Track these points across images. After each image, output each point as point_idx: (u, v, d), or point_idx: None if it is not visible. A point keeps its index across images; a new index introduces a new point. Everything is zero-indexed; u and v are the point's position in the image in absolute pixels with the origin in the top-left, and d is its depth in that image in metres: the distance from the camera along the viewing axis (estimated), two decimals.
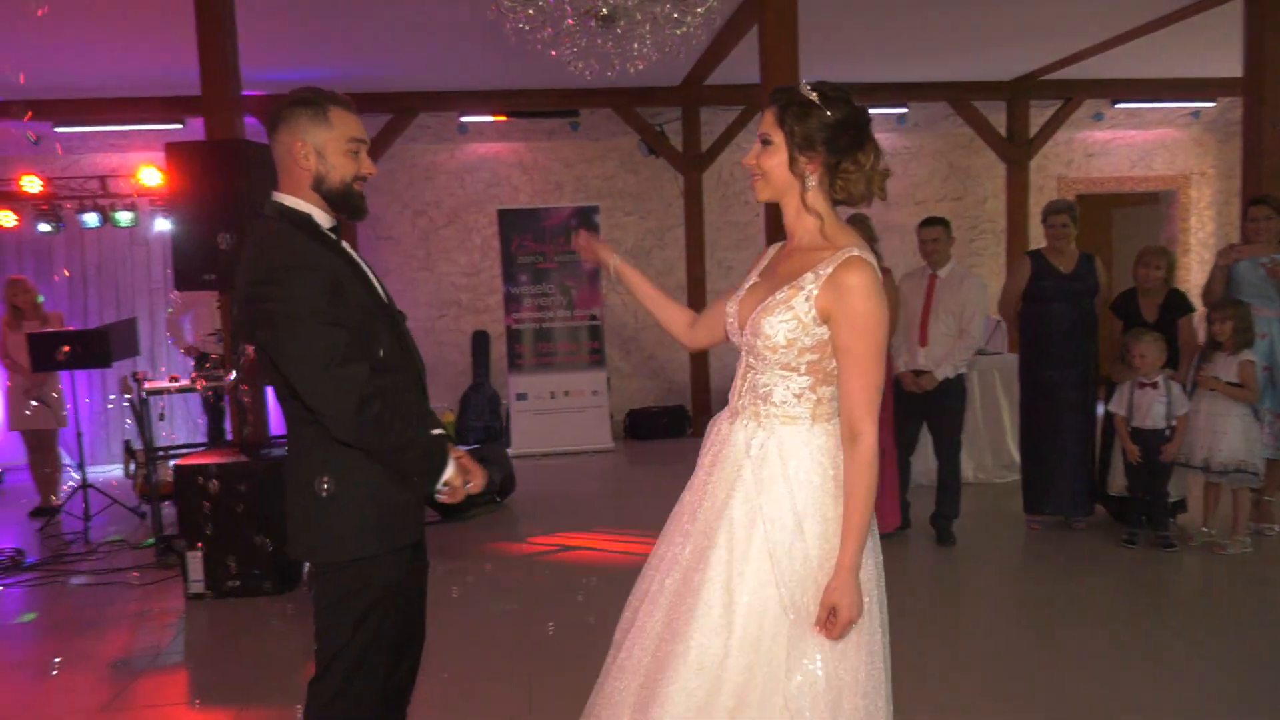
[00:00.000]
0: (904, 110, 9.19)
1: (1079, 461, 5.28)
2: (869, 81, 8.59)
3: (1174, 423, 4.85)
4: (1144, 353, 4.86)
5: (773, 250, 2.18)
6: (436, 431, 2.24)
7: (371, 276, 2.23)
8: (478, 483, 2.23)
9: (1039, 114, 9.14)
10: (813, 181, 1.96)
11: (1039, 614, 4.21)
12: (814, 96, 1.93)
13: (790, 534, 1.92)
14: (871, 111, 7.59)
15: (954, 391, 5.09)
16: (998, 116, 9.13)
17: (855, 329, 1.89)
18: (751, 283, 2.11)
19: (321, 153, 2.12)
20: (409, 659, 2.34)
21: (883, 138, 8.48)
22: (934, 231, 5.15)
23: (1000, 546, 5.23)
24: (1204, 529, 5.01)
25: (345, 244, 2.22)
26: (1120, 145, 10.00)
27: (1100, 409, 5.36)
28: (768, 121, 1.99)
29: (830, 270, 1.91)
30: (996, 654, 3.76)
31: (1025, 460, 5.44)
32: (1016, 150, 9.06)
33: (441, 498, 2.18)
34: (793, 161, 1.95)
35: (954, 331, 5.05)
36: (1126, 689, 3.38)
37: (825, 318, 1.92)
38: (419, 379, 2.29)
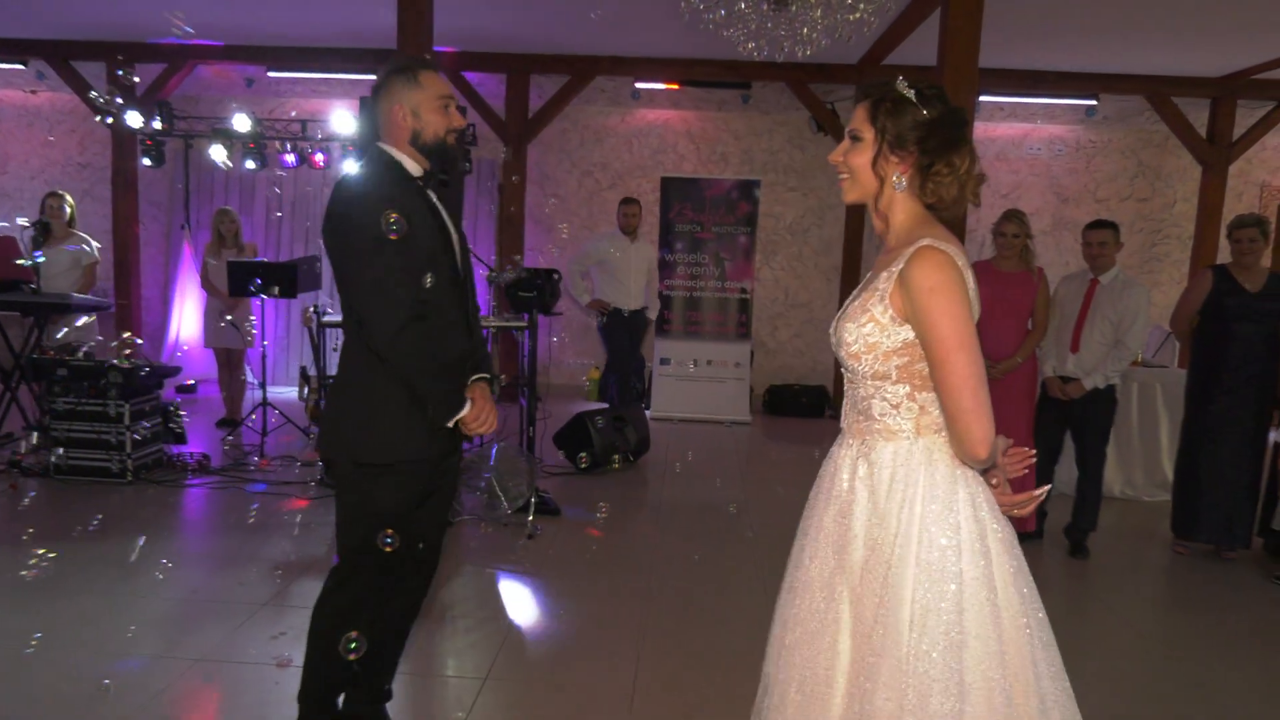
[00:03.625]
0: (1094, 102, 8.72)
1: (1240, 491, 4.99)
2: (1056, 70, 8.20)
3: None
4: None
5: None
6: (480, 376, 2.53)
7: (449, 225, 2.51)
8: (487, 427, 2.47)
9: (1246, 116, 8.50)
10: (903, 182, 1.86)
11: (1166, 641, 4.07)
12: (910, 94, 1.83)
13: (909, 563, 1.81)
14: (1057, 102, 7.31)
15: (1103, 402, 4.91)
16: (1198, 115, 8.54)
17: (929, 322, 1.75)
18: (850, 297, 2.01)
19: (416, 112, 2.43)
20: (423, 568, 2.70)
21: (1067, 130, 8.17)
22: (1101, 235, 4.94)
23: (1137, 566, 5.04)
24: None
25: (431, 193, 2.50)
26: None
27: (1273, 437, 5.04)
28: (859, 117, 1.89)
29: (901, 265, 1.80)
30: (1115, 677, 3.68)
31: (1180, 481, 5.19)
32: (1216, 153, 8.47)
33: (468, 429, 2.46)
34: (879, 159, 1.85)
35: (1110, 340, 4.86)
36: None
37: (904, 316, 1.81)
38: (466, 323, 2.54)
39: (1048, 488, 1.94)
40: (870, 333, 1.84)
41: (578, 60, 8.39)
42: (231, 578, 4.22)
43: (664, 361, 8.37)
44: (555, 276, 5.64)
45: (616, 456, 6.34)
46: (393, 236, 2.27)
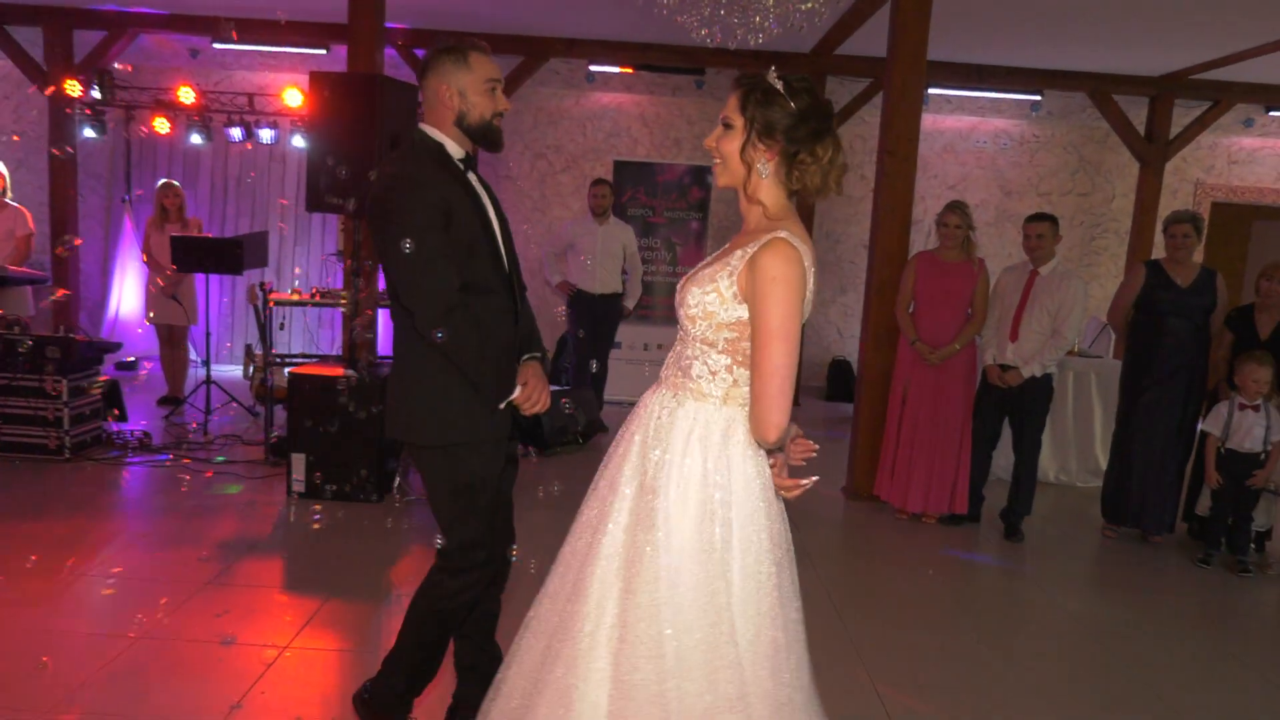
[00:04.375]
0: (1038, 97, 8.91)
1: (1168, 480, 5.19)
2: (1003, 65, 8.36)
3: (1269, 447, 4.73)
4: (1259, 377, 4.73)
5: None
6: (531, 355, 2.55)
7: (490, 209, 2.51)
8: (540, 406, 2.50)
9: (1183, 114, 8.75)
10: (768, 169, 1.96)
11: (1096, 620, 4.23)
12: (779, 85, 1.92)
13: (668, 498, 1.95)
14: (1003, 96, 7.45)
15: (1040, 390, 5.07)
16: (1138, 113, 8.78)
17: (761, 308, 1.86)
18: (703, 263, 2.09)
19: (464, 93, 2.41)
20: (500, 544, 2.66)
21: (1012, 124, 8.34)
22: (1040, 227, 5.08)
23: (1068, 549, 5.21)
24: None
25: (473, 175, 2.49)
26: (1269, 154, 9.49)
27: (1198, 427, 5.24)
28: (731, 106, 1.97)
29: (755, 250, 1.90)
30: (1048, 657, 3.82)
31: (1112, 469, 5.38)
32: (1153, 150, 8.70)
33: (524, 410, 2.49)
34: (746, 147, 1.94)
35: (1047, 330, 5.01)
36: (1171, 700, 3.41)
37: (745, 297, 1.91)
38: (513, 306, 2.54)
39: (814, 479, 2.03)
40: (711, 302, 1.95)
41: (532, 41, 8.35)
42: (173, 557, 4.17)
43: (616, 345, 8.40)
44: None
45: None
46: (410, 247, 2.27)
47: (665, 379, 2.09)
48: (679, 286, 2.06)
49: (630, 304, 7.38)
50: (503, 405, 2.44)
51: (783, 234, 1.89)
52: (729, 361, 1.97)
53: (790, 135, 1.92)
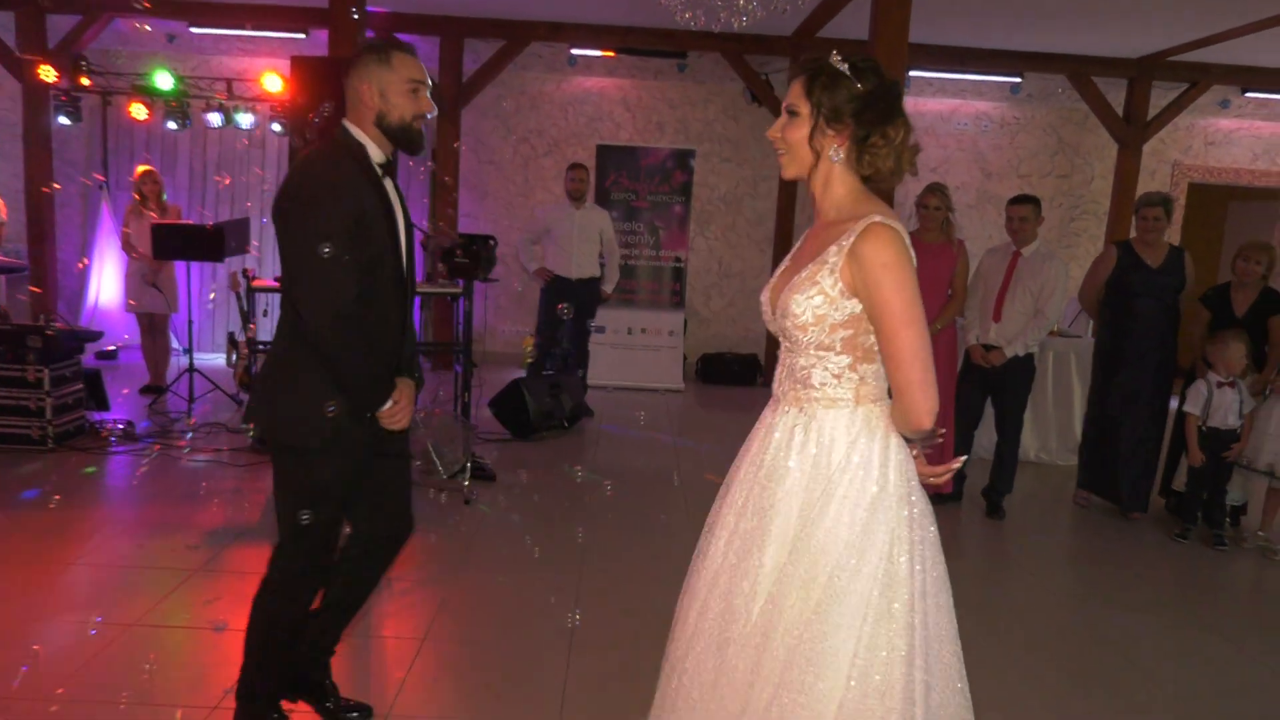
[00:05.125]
0: (1018, 80, 8.96)
1: (1145, 459, 5.28)
2: (984, 47, 8.40)
3: (1243, 421, 4.83)
4: (1234, 355, 4.81)
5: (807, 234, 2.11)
6: (409, 376, 2.55)
7: (400, 220, 2.49)
8: (399, 424, 2.49)
9: (1161, 96, 8.82)
10: (840, 155, 1.89)
11: (1077, 594, 4.30)
12: (844, 67, 1.85)
13: (827, 526, 1.86)
14: (984, 79, 7.47)
15: (1022, 370, 5.13)
16: (1117, 95, 8.84)
17: (881, 297, 1.80)
18: (783, 267, 2.04)
19: (384, 93, 2.38)
20: (382, 550, 2.72)
21: (993, 107, 8.35)
22: (1023, 210, 5.12)
23: (1049, 526, 5.30)
24: (1260, 534, 5.00)
25: (389, 182, 2.47)
26: (1245, 136, 9.59)
27: (1174, 404, 5.33)
28: (795, 92, 1.90)
29: (852, 241, 1.82)
30: (1029, 627, 3.89)
31: (1085, 444, 5.50)
32: (1132, 132, 8.78)
33: (384, 424, 2.48)
34: (815, 134, 1.88)
35: (1030, 310, 5.06)
36: (1150, 671, 3.48)
37: (853, 290, 1.84)
38: (404, 322, 2.53)
39: (964, 458, 2.04)
40: (819, 305, 1.87)
41: (513, 25, 8.31)
42: (162, 545, 4.17)
43: (599, 329, 8.42)
44: (491, 243, 5.62)
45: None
46: (325, 251, 2.25)
47: (783, 395, 1.99)
48: (766, 299, 2.01)
49: (608, 288, 7.40)
50: (368, 416, 2.43)
51: (876, 218, 1.82)
52: (850, 360, 1.90)
53: (860, 118, 1.85)
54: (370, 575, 2.76)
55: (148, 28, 8.55)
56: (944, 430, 1.98)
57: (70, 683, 2.94)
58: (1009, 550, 4.86)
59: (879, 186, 1.96)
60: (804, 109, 1.89)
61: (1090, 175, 9.61)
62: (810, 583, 1.83)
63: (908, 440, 1.94)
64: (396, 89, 2.37)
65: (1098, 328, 5.45)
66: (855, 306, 1.86)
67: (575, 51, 8.90)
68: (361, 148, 2.40)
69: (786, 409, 1.97)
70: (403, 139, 2.42)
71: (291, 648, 2.67)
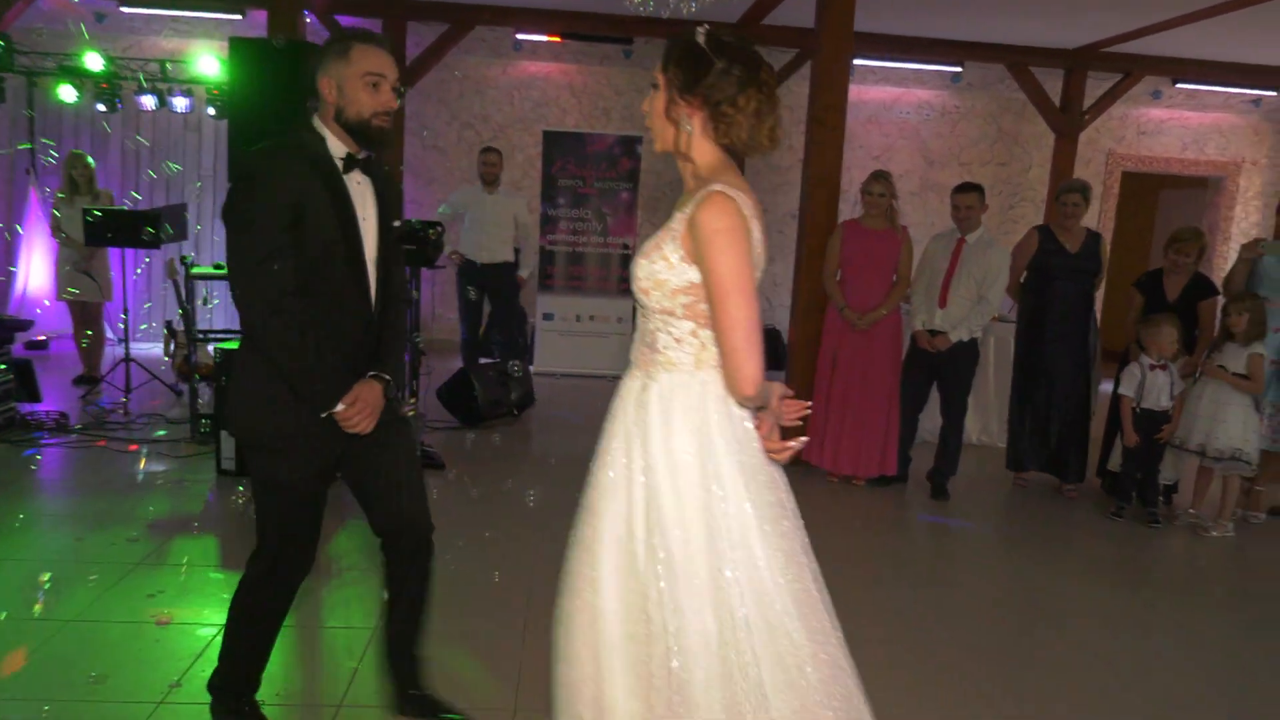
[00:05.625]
0: (959, 69, 9.11)
1: (1066, 430, 5.45)
2: (926, 36, 8.51)
3: (1174, 402, 4.99)
4: (1169, 339, 4.96)
5: None
6: (374, 374, 2.40)
7: (362, 213, 2.38)
8: (359, 428, 2.35)
9: (1096, 86, 9.03)
10: (693, 126, 1.92)
11: (1018, 571, 4.41)
12: (701, 41, 1.89)
13: (665, 481, 1.92)
14: (925, 68, 7.56)
15: (967, 354, 5.23)
16: (1054, 85, 9.03)
17: (710, 264, 1.84)
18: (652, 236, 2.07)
19: (341, 87, 2.32)
20: (415, 552, 2.59)
21: (934, 95, 8.46)
22: (969, 198, 5.21)
23: (991, 506, 5.42)
24: (1191, 511, 5.18)
25: (356, 175, 2.38)
26: (1175, 126, 9.88)
27: (1106, 387, 5.48)
28: (657, 67, 1.97)
29: (691, 209, 1.87)
30: (972, 604, 3.98)
31: (1011, 423, 5.67)
32: (1068, 121, 8.98)
33: (344, 427, 2.36)
34: (670, 105, 1.93)
35: (974, 296, 5.16)
36: (1090, 645, 3.59)
37: (693, 258, 1.89)
38: (368, 320, 2.42)
39: (804, 440, 2.03)
40: (660, 270, 1.93)
41: (457, 8, 8.19)
42: (101, 538, 4.06)
43: (547, 317, 8.38)
44: (438, 229, 5.56)
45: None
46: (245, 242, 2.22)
47: (635, 360, 2.05)
48: (633, 266, 2.04)
49: (524, 274, 7.45)
50: (324, 416, 2.33)
51: (717, 186, 1.85)
52: (693, 326, 1.94)
53: (711, 89, 1.88)
54: (409, 574, 2.61)
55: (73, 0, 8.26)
56: (809, 404, 2.01)
57: (10, 681, 2.85)
58: (954, 530, 4.96)
59: (746, 156, 1.99)
60: (660, 80, 1.95)
61: (1028, 164, 9.82)
62: (647, 542, 1.92)
63: (756, 413, 1.99)
64: (353, 83, 2.31)
65: (1019, 309, 5.63)
66: (695, 274, 1.90)
67: (520, 36, 8.81)
68: (321, 141, 2.35)
69: (635, 373, 2.04)
70: (361, 135, 2.35)
71: (268, 642, 2.62)
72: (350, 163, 2.38)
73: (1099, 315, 5.99)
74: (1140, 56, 8.73)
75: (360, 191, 2.40)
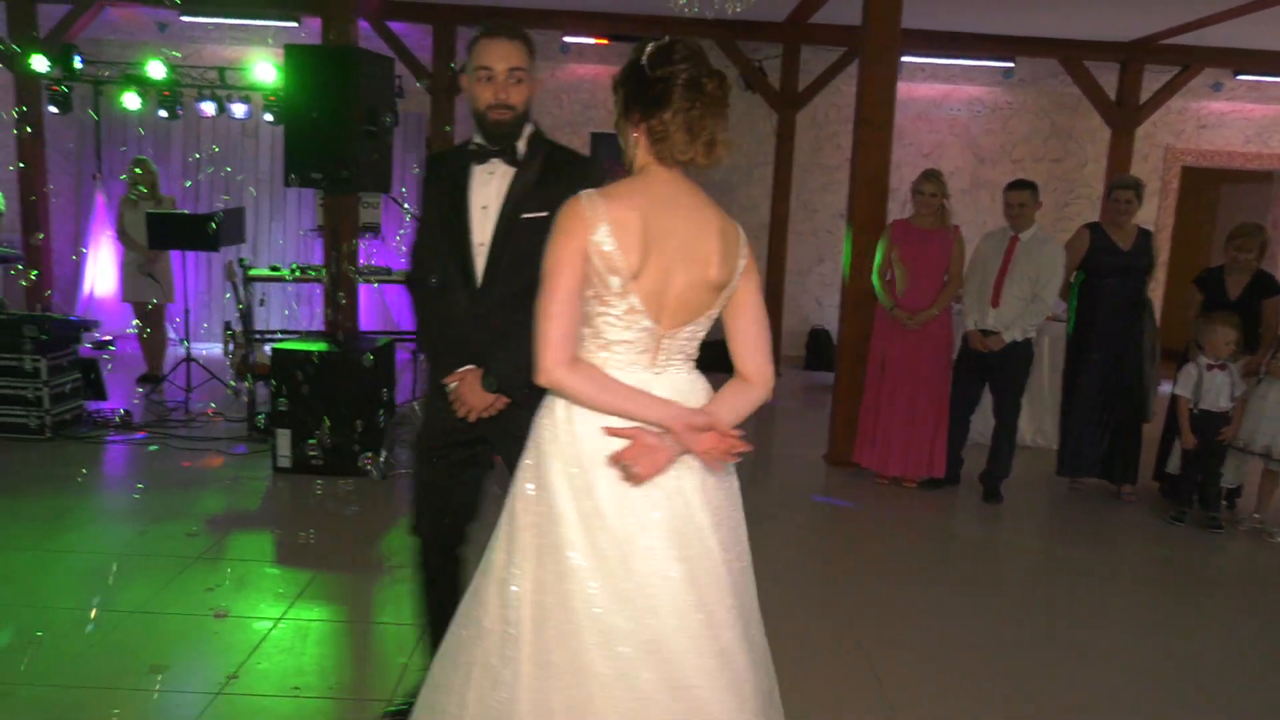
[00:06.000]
0: (1010, 64, 8.97)
1: (1119, 434, 5.34)
2: (976, 32, 8.39)
3: (1234, 404, 4.86)
4: (1225, 338, 4.84)
5: None
6: (473, 367, 2.39)
7: (479, 204, 2.41)
8: (463, 412, 2.39)
9: (1153, 79, 8.82)
10: (635, 145, 1.92)
11: (1071, 576, 4.33)
12: (643, 61, 1.87)
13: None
14: (976, 64, 7.44)
15: (1020, 355, 5.15)
16: (1109, 79, 8.84)
17: (545, 255, 1.85)
18: None
19: (469, 82, 2.40)
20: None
21: (985, 91, 8.32)
22: (1021, 195, 5.13)
23: (1045, 509, 5.33)
24: (1255, 516, 5.04)
25: (484, 168, 2.41)
26: (1237, 119, 9.60)
27: (1167, 388, 5.36)
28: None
29: None
30: (1023, 609, 3.92)
31: (1064, 426, 5.54)
32: (1124, 116, 8.78)
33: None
34: (619, 122, 1.94)
35: (1028, 295, 5.08)
36: (1145, 654, 3.52)
37: None
38: (476, 308, 2.41)
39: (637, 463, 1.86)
40: None
41: (504, 12, 8.27)
42: (162, 532, 4.18)
43: None
44: None
45: None
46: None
47: None
48: None
49: None
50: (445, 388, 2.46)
51: (584, 192, 1.85)
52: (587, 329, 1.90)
53: (646, 108, 1.86)
54: (439, 575, 2.65)
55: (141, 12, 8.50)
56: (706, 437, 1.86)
57: (74, 667, 2.95)
58: (1006, 535, 4.89)
59: (702, 172, 1.93)
60: (614, 100, 1.97)
61: (1084, 159, 9.62)
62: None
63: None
64: (471, 78, 2.38)
65: (1071, 309, 5.52)
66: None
67: (567, 39, 8.87)
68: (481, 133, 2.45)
69: None
70: (481, 128, 2.40)
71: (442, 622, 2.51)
72: (483, 154, 2.41)
73: (1159, 313, 5.86)
74: (1199, 48, 8.51)
75: (486, 182, 2.42)
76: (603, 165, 2.48)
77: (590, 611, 1.77)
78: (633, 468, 1.80)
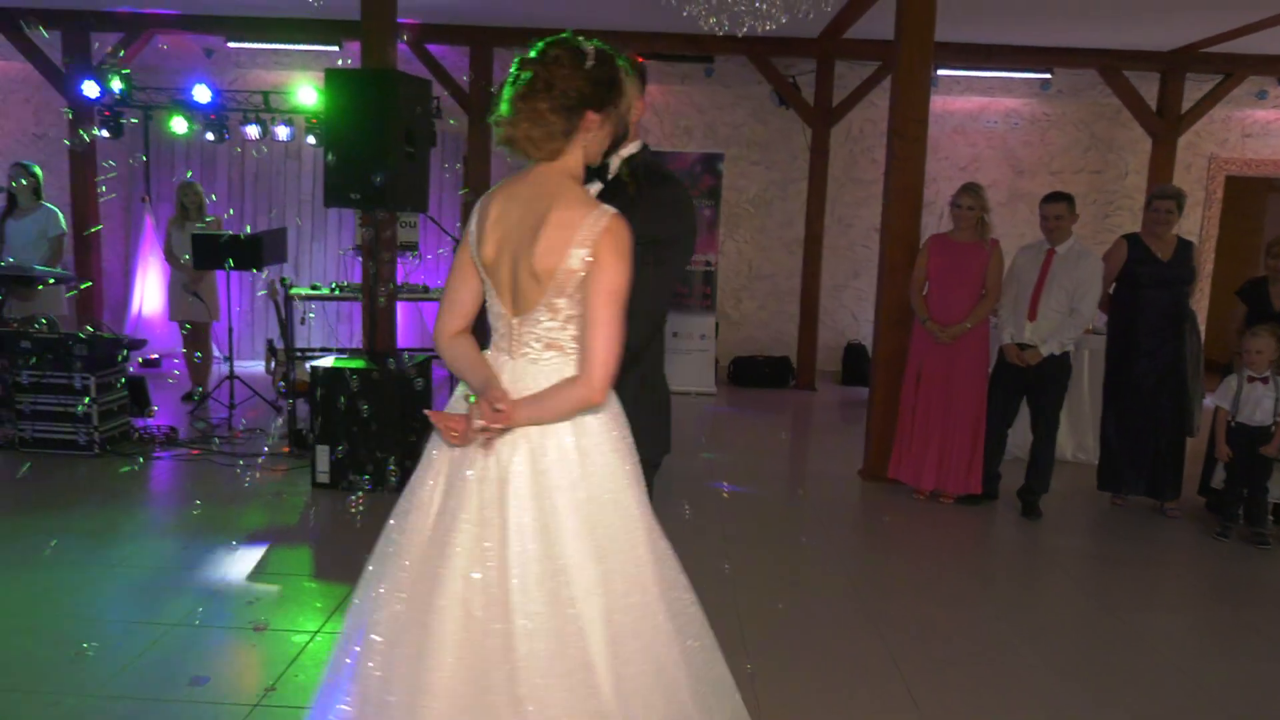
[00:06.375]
0: (1048, 76, 8.90)
1: (1159, 448, 5.25)
2: (1012, 44, 8.35)
3: (1278, 419, 4.76)
4: (1260, 349, 4.76)
5: None
6: None
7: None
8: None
9: (1195, 89, 8.70)
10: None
11: (1113, 594, 4.26)
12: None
13: None
14: (1013, 76, 7.45)
15: (1058, 368, 5.09)
16: (1149, 88, 8.73)
17: None
18: None
19: None
20: None
21: (1022, 104, 8.30)
22: (1057, 208, 5.09)
23: (1086, 526, 5.25)
24: None
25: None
26: None
27: (1209, 402, 5.26)
28: None
29: None
30: (1063, 628, 3.87)
31: (1103, 440, 5.47)
32: (1165, 125, 8.67)
33: None
34: None
35: (1065, 309, 5.03)
36: (1192, 675, 3.45)
37: None
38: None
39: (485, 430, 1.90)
40: None
41: (540, 33, 8.25)
42: (204, 548, 4.27)
43: None
44: None
45: None
46: None
47: None
48: None
49: None
50: None
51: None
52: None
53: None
54: None
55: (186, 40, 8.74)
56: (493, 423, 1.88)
57: (116, 681, 3.03)
58: (1045, 551, 4.83)
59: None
60: None
61: (1124, 170, 9.50)
62: None
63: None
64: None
65: (1109, 321, 5.46)
66: None
67: None
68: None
69: None
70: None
71: None
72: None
73: (1203, 325, 5.77)
74: (1241, 56, 8.38)
75: None
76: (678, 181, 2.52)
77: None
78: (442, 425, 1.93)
